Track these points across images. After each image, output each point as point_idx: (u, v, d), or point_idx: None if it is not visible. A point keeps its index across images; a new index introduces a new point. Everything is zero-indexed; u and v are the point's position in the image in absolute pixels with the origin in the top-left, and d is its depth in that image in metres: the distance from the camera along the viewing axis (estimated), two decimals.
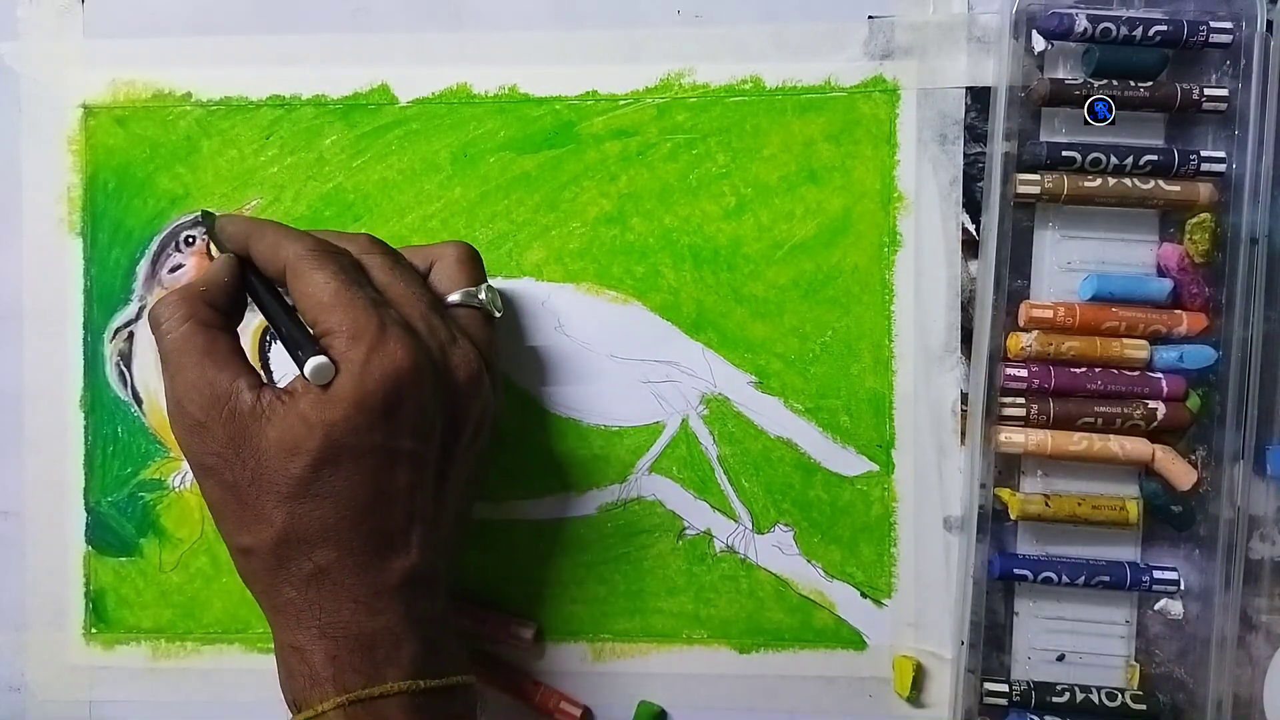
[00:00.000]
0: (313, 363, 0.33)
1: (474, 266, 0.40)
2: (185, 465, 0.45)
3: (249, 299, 0.38)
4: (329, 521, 0.33)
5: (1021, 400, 0.42)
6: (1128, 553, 0.43)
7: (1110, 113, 0.42)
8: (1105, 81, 0.42)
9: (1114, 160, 0.42)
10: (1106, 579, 0.42)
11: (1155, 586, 0.42)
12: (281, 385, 0.35)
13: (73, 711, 0.45)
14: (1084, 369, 0.42)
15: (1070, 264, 0.43)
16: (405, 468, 0.34)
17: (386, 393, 0.33)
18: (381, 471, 0.34)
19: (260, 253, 0.37)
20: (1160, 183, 0.42)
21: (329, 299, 0.34)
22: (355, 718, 0.33)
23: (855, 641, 0.44)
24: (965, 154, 0.44)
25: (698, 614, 0.44)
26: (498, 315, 0.40)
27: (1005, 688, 0.42)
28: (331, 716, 0.33)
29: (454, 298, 0.38)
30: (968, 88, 0.44)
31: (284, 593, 0.34)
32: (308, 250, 0.35)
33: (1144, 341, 0.42)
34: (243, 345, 0.37)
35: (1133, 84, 0.42)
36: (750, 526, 0.44)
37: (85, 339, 0.45)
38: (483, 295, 0.39)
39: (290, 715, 0.34)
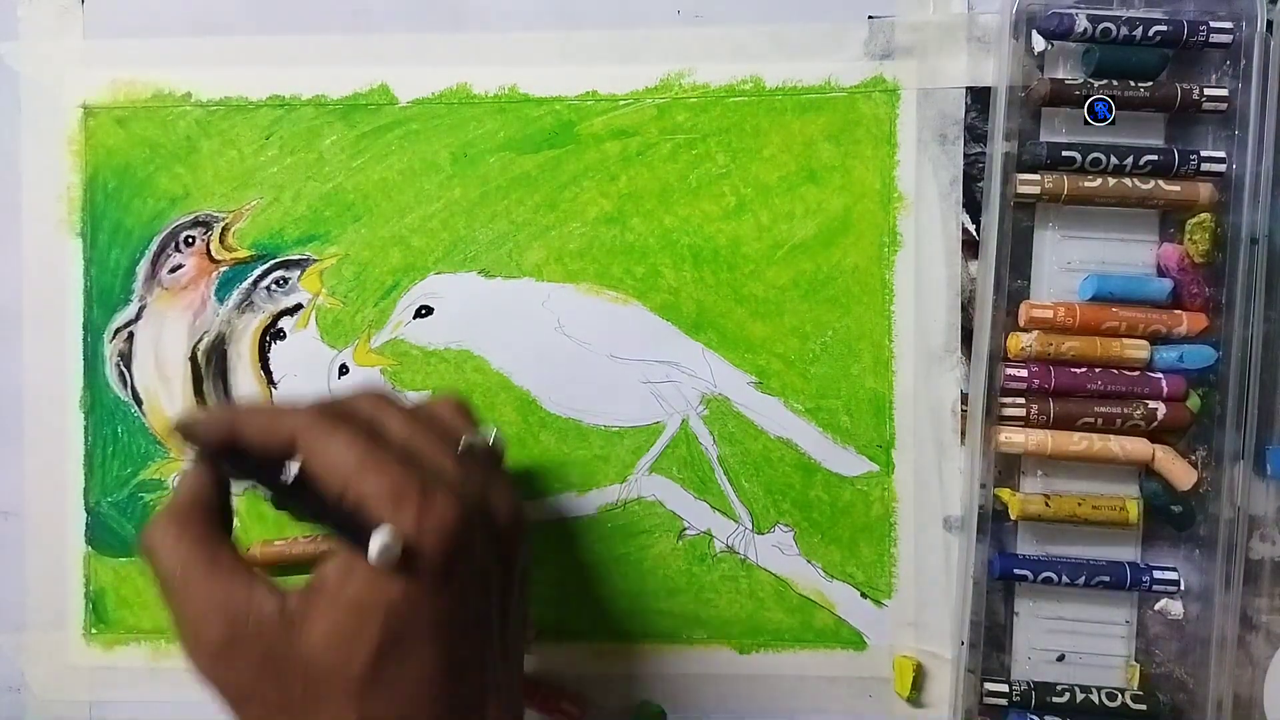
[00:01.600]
0: (381, 539, 0.29)
1: (470, 412, 0.37)
2: (185, 465, 0.45)
3: (256, 492, 0.35)
4: (405, 713, 0.30)
5: (1021, 400, 0.42)
6: (1128, 553, 0.43)
7: (1110, 113, 0.42)
8: (1105, 81, 0.42)
9: (1114, 160, 0.42)
10: (1106, 579, 0.42)
11: (1155, 586, 0.42)
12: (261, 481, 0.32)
13: (73, 712, 0.45)
14: (1084, 369, 0.42)
15: (1070, 264, 0.43)
16: (472, 633, 0.32)
17: (444, 556, 0.30)
18: (449, 643, 0.31)
19: (254, 436, 0.33)
20: (1160, 183, 0.42)
21: (356, 462, 0.30)
22: None
23: (855, 641, 0.44)
24: (965, 154, 0.44)
25: (698, 614, 0.44)
26: (503, 454, 0.37)
27: (1005, 688, 0.42)
28: None
29: (465, 442, 0.35)
30: (968, 88, 0.44)
31: None
32: (315, 418, 0.32)
33: (1144, 341, 0.42)
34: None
35: (1133, 84, 0.42)
36: (750, 526, 0.44)
37: (85, 339, 0.45)
38: (491, 436, 0.37)
39: None
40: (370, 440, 0.31)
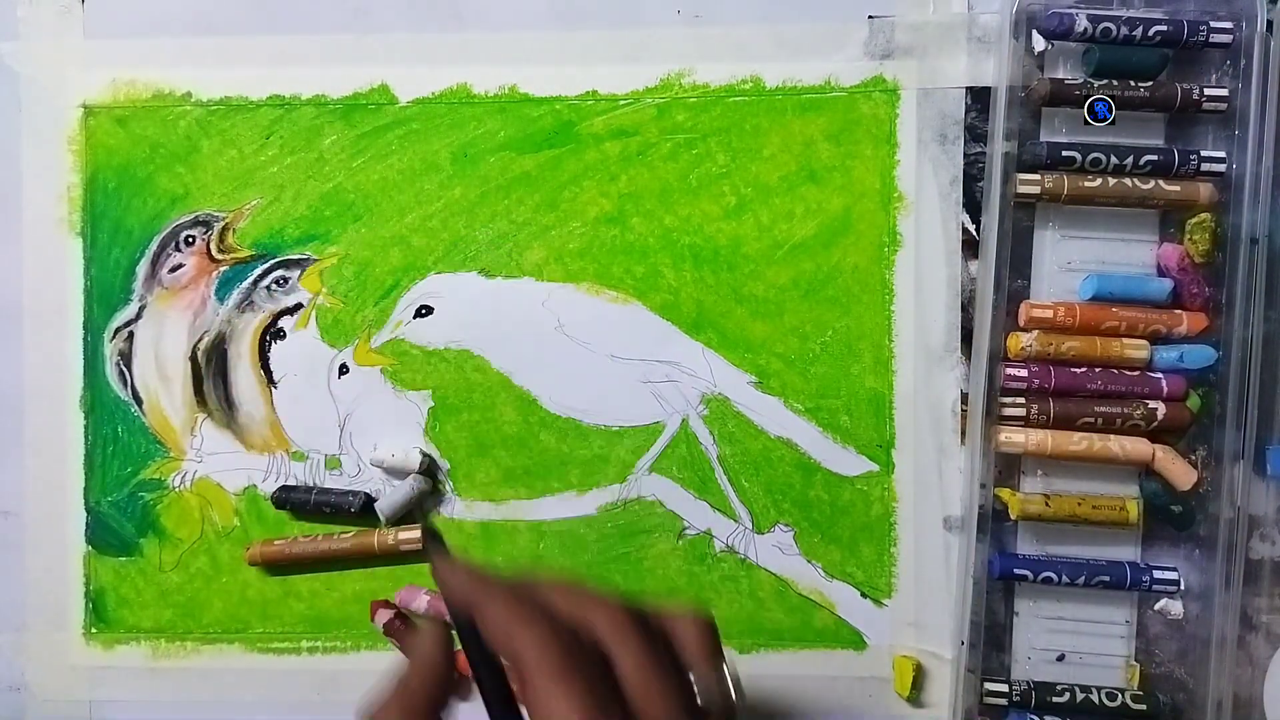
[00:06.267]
0: None
1: (716, 643, 0.33)
2: (185, 465, 0.45)
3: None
4: None
5: (1021, 400, 0.42)
6: (1128, 553, 0.43)
7: (1110, 113, 0.42)
8: (1105, 81, 0.42)
9: (1114, 160, 0.42)
10: (1106, 579, 0.42)
11: (1155, 586, 0.42)
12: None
13: (73, 711, 0.45)
14: (1084, 369, 0.42)
15: (1070, 264, 0.43)
16: None
17: None
18: None
19: (487, 631, 0.30)
20: (1160, 183, 0.42)
21: None
22: None
23: (855, 641, 0.44)
24: (965, 154, 0.44)
25: None
26: (742, 708, 0.35)
27: (1005, 688, 0.42)
28: None
29: (703, 695, 0.31)
30: (968, 88, 0.44)
31: None
32: (549, 653, 0.29)
33: (1144, 341, 0.42)
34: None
35: (1133, 84, 0.42)
36: (750, 526, 0.44)
37: (85, 339, 0.45)
38: (729, 683, 0.33)
39: None
40: (598, 705, 0.28)
